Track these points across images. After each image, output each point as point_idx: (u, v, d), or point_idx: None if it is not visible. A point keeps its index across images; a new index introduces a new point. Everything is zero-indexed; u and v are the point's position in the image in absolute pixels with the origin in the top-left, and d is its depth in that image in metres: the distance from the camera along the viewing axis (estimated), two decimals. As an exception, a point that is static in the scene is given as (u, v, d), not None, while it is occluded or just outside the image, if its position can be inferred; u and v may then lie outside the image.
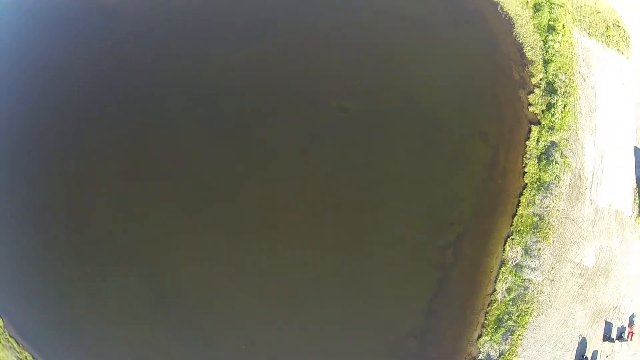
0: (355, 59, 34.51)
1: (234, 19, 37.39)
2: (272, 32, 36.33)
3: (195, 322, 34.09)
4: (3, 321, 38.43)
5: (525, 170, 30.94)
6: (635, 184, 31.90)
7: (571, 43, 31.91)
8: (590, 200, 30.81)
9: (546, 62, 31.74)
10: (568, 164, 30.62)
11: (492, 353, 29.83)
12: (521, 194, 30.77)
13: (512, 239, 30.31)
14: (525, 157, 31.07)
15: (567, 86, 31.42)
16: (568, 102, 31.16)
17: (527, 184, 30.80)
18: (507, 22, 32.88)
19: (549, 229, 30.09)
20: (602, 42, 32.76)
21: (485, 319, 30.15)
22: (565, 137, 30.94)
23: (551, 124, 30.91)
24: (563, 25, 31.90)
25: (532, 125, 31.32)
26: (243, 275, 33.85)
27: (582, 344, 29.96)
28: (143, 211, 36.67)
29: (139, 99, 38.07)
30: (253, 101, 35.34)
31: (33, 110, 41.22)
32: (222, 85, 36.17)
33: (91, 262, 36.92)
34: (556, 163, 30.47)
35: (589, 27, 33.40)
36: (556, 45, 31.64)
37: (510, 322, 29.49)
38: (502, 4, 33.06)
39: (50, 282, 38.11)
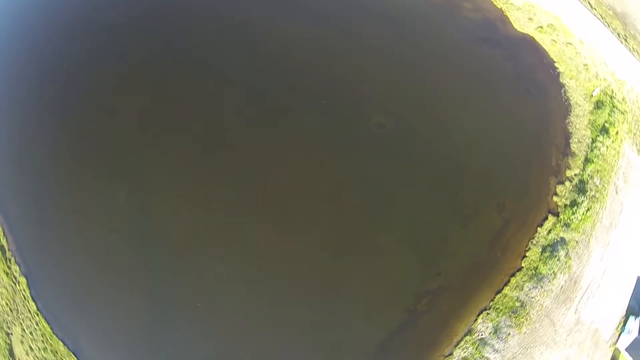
0: (410, 90, 34.21)
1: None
2: (339, 46, 36.21)
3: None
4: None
5: (527, 254, 30.10)
6: (625, 312, 30.71)
7: (618, 152, 30.93)
8: (576, 309, 29.72)
9: (587, 161, 30.79)
10: (569, 265, 29.62)
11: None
12: (513, 275, 29.93)
13: (488, 314, 29.46)
14: (532, 242, 30.19)
15: (598, 191, 30.46)
16: (593, 207, 30.19)
17: (523, 267, 29.95)
18: (565, 107, 32.07)
19: (526, 319, 29.18)
20: (648, 163, 31.74)
21: (431, 378, 29.34)
22: (576, 239, 29.96)
23: (569, 221, 29.98)
24: (617, 132, 30.93)
25: (550, 215, 30.47)
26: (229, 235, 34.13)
27: None
28: (160, 140, 36.81)
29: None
30: (304, 91, 35.24)
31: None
32: (287, 72, 36.19)
33: (93, 169, 37.43)
34: (558, 260, 29.53)
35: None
36: (603, 149, 30.66)
37: (449, 392, 28.61)
38: (568, 89, 32.24)
39: (49, 183, 38.68)
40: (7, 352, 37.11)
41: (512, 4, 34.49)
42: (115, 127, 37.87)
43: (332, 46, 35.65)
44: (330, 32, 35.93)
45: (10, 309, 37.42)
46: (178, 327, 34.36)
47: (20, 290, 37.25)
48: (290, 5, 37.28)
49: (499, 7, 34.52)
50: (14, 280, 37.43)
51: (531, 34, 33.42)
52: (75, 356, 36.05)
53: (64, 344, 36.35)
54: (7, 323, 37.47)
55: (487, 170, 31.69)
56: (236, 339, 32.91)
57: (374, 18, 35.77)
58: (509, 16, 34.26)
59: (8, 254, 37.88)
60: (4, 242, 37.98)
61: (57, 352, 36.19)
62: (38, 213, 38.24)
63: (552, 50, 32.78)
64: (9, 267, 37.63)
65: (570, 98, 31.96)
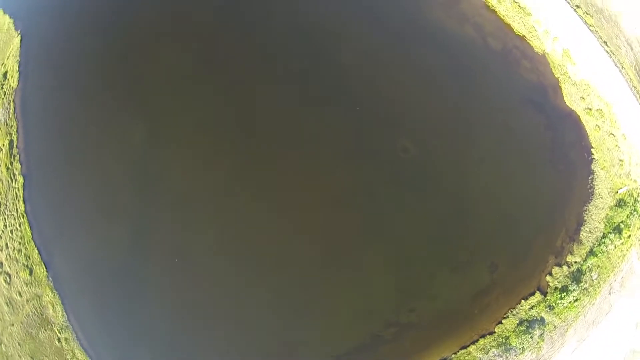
0: (445, 126, 33.25)
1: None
2: (390, 61, 35.15)
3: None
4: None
5: (503, 321, 29.56)
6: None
7: (624, 255, 30.09)
8: (532, 391, 29.08)
9: (591, 253, 29.97)
10: (540, 347, 29.09)
11: None
12: (483, 336, 29.51)
13: (446, 365, 28.85)
14: (512, 312, 29.58)
15: (591, 286, 29.74)
16: (582, 299, 29.48)
17: (495, 332, 29.47)
18: (588, 195, 31.15)
19: (480, 383, 28.58)
20: (649, 276, 30.82)
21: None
22: (555, 324, 29.33)
23: (554, 304, 29.32)
24: (629, 236, 30.06)
25: (538, 292, 29.82)
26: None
27: None
28: (189, 98, 36.24)
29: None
30: (344, 93, 34.45)
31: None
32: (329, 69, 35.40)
33: (119, 102, 37.12)
34: (531, 337, 28.98)
35: (648, 255, 31.40)
36: (610, 247, 29.83)
37: None
38: (596, 178, 31.27)
39: (74, 102, 38.46)
40: (-17, 241, 37.09)
41: (569, 77, 33.43)
42: (152, 70, 37.42)
43: (383, 59, 34.83)
44: (387, 46, 35.06)
45: (1, 203, 37.31)
46: (150, 273, 34.24)
47: (15, 188, 37.10)
48: (359, 8, 36.37)
49: (556, 75, 33.46)
50: (12, 176, 37.24)
51: (578, 113, 32.38)
52: (46, 267, 35.93)
53: (39, 252, 36.27)
54: (-8, 214, 37.40)
55: (493, 227, 30.98)
56: (195, 306, 32.76)
57: (433, 47, 34.77)
58: (562, 88, 33.22)
59: (15, 151, 37.69)
60: (14, 138, 37.76)
61: (29, 258, 36.11)
62: (55, 125, 38.10)
63: (593, 135, 31.78)
64: (11, 163, 37.45)
65: (596, 187, 31.02)
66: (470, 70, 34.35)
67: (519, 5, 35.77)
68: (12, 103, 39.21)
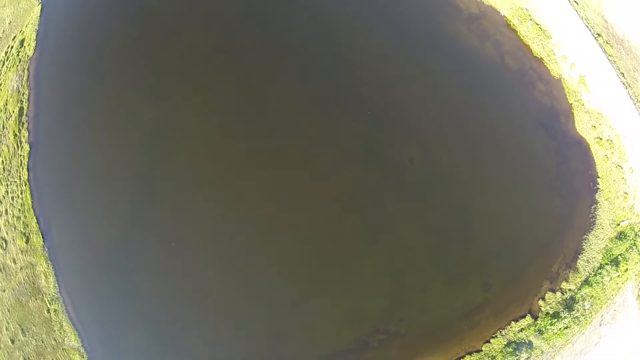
0: (455, 140, 32.59)
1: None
2: (408, 72, 34.57)
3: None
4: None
5: (491, 341, 29.00)
6: None
7: (619, 288, 29.51)
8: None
9: (586, 282, 29.39)
10: (525, 370, 28.31)
11: None
12: (470, 354, 28.99)
13: (429, 377, 28.23)
14: (501, 332, 29.04)
15: (583, 315, 29.15)
16: (572, 327, 28.94)
17: (482, 351, 28.96)
18: (589, 224, 30.61)
19: (460, 399, 28.02)
20: (642, 312, 30.20)
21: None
22: (543, 349, 28.83)
23: (544, 329, 28.78)
24: (626, 270, 29.43)
25: (529, 315, 29.25)
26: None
27: None
28: (206, 81, 35.73)
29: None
30: (357, 95, 33.80)
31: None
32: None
33: (135, 78, 36.69)
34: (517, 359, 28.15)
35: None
36: (606, 278, 29.21)
37: None
38: (599, 208, 30.70)
39: (90, 75, 37.79)
40: (-17, 204, 36.38)
41: (582, 104, 32.70)
42: (169, 51, 36.72)
43: (400, 67, 34.23)
44: (405, 53, 34.46)
45: (3, 168, 36.62)
46: (146, 255, 33.54)
47: (20, 155, 36.41)
48: (383, 12, 35.57)
49: (569, 101, 32.76)
50: (18, 143, 36.55)
51: (588, 141, 31.73)
52: (43, 237, 35.23)
53: (38, 221, 35.59)
54: (-5, 179, 36.68)
55: (490, 247, 30.40)
56: (186, 293, 32.33)
57: (451, 60, 34.15)
58: (575, 114, 32.53)
59: (24, 118, 36.98)
60: (24, 106, 37.03)
61: (28, 226, 35.43)
62: (66, 97, 37.35)
63: (601, 165, 31.11)
64: (19, 130, 36.76)
65: (598, 217, 30.43)
66: (485, 88, 33.68)
67: (540, 27, 35.02)
68: (26, 71, 38.46)
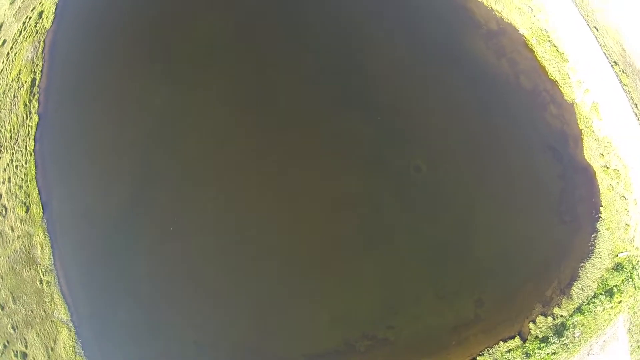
0: (462, 154, 31.72)
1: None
2: (419, 82, 33.76)
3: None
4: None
5: (477, 358, 28.29)
6: None
7: (610, 319, 28.70)
8: None
9: (578, 310, 28.58)
10: (508, 391, 27.46)
11: None
12: (454, 369, 27.85)
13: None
14: (488, 350, 28.38)
15: (572, 343, 28.43)
16: (559, 354, 28.26)
17: (468, 368, 27.90)
18: (587, 252, 29.80)
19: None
20: (631, 346, 29.18)
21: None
22: (529, 373, 27.76)
23: (531, 352, 28.10)
24: (620, 302, 28.61)
25: (518, 336, 28.54)
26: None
27: None
28: (220, 70, 34.83)
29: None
30: (368, 100, 32.94)
31: None
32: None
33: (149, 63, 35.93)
34: (502, 380, 27.35)
35: (636, 325, 29.66)
36: (599, 308, 28.38)
37: None
38: (599, 237, 29.91)
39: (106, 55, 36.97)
40: (-13, 170, 35.62)
41: (593, 131, 31.75)
42: (185, 36, 36.01)
43: (414, 76, 33.45)
44: (420, 63, 33.69)
45: (10, 136, 35.90)
46: (142, 236, 32.79)
47: (29, 125, 35.69)
48: (402, 21, 34.67)
49: (580, 127, 31.87)
50: (28, 113, 35.81)
51: (595, 168, 30.82)
52: (42, 208, 34.50)
53: (39, 192, 34.91)
54: (2, 147, 35.94)
55: (487, 264, 29.67)
56: (179, 278, 31.69)
57: (465, 74, 33.35)
58: (584, 140, 31.61)
59: (36, 89, 36.22)
60: (37, 77, 36.24)
61: (29, 196, 34.74)
62: (79, 73, 36.75)
63: (605, 194, 30.22)
64: (30, 101, 36.00)
65: (597, 246, 29.61)
66: (497, 105, 32.82)
67: (557, 50, 34.03)
68: (42, 43, 37.64)
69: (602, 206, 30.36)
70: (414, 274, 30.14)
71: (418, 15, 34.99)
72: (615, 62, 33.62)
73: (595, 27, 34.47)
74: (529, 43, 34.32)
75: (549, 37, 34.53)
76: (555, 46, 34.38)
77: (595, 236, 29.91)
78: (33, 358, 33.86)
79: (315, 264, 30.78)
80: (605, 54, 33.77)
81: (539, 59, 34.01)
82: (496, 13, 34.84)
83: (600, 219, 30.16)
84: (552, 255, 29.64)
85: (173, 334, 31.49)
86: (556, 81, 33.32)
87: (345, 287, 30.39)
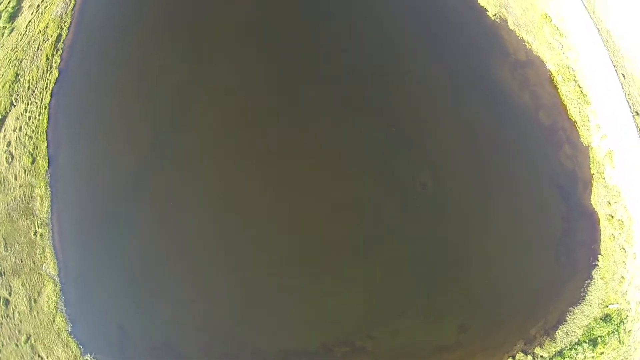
0: (470, 178, 30.76)
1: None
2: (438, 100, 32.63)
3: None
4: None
5: (451, 380, 27.06)
6: None
7: (589, 370, 27.49)
8: None
9: (560, 354, 27.91)
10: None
11: None
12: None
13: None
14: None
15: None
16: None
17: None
18: (578, 298, 28.90)
19: None
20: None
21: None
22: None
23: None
24: (602, 353, 27.86)
25: (496, 370, 27.30)
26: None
27: None
28: (239, 55, 33.74)
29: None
30: (385, 111, 31.92)
31: None
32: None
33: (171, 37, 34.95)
34: (472, 410, 26.39)
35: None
36: (580, 356, 27.70)
37: None
38: (592, 284, 29.00)
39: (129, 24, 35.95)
40: (2, 117, 34.72)
41: (604, 178, 30.68)
42: (213, 19, 34.93)
43: (435, 94, 32.46)
44: (443, 83, 32.65)
45: (28, 87, 35.04)
46: (141, 208, 31.97)
47: (48, 79, 34.89)
48: (432, 39, 33.64)
49: (591, 172, 30.85)
50: (49, 67, 34.97)
51: (599, 216, 29.87)
52: (49, 162, 33.68)
53: (48, 145, 34.10)
54: (18, 96, 35.09)
55: (477, 290, 28.84)
56: (170, 255, 30.99)
57: (486, 100, 32.30)
58: (593, 185, 30.55)
59: (60, 45, 35.31)
60: (63, 33, 35.35)
61: (37, 148, 33.97)
62: (105, 36, 35.74)
63: (605, 243, 29.24)
64: (52, 55, 35.14)
65: (588, 294, 28.75)
66: (513, 135, 31.86)
67: (581, 91, 32.84)
68: (73, 1, 36.64)
69: (600, 254, 29.39)
70: (403, 288, 29.34)
71: (450, 35, 33.91)
72: (637, 112, 32.40)
73: (622, 74, 33.22)
74: (554, 79, 33.14)
75: (575, 76, 33.32)
76: (579, 86, 33.17)
77: (589, 283, 29.00)
78: (15, 306, 33.24)
79: (307, 262, 29.98)
80: (628, 103, 32.54)
81: (561, 96, 32.88)
82: (526, 44, 33.69)
83: (597, 266, 29.21)
84: (543, 294, 28.75)
85: (156, 309, 30.80)
86: (575, 122, 32.21)
87: (333, 290, 29.60)
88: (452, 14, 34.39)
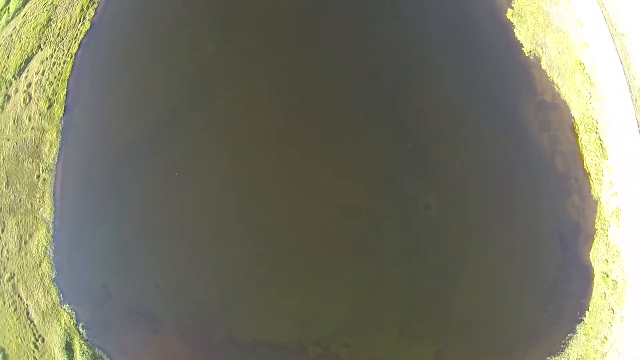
0: (475, 211, 29.71)
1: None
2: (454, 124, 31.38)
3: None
4: None
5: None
6: None
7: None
8: None
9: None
10: None
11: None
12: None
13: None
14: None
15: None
16: None
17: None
18: (556, 349, 27.83)
19: None
20: None
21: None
22: None
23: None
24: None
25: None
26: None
27: None
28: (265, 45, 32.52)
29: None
30: (401, 126, 30.91)
31: None
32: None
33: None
34: None
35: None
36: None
37: None
38: (574, 338, 27.91)
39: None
40: (28, 57, 33.91)
41: (607, 235, 29.60)
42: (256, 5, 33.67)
43: (453, 119, 31.27)
44: (464, 109, 31.36)
45: (58, 34, 34.46)
46: (148, 173, 31.27)
47: (79, 30, 34.44)
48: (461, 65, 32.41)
49: (596, 227, 29.66)
50: (81, 18, 34.36)
51: (595, 272, 28.82)
52: (65, 110, 33.00)
53: (67, 94, 33.75)
54: (47, 40, 34.38)
55: (459, 321, 27.87)
56: (163, 227, 30.28)
57: (503, 134, 31.06)
58: (595, 241, 29.47)
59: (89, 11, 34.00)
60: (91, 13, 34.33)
61: (56, 94, 33.81)
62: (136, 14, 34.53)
63: (595, 300, 28.32)
64: (87, 7, 34.31)
65: (568, 347, 27.79)
66: (524, 175, 30.70)
67: (601, 144, 31.60)
68: (119, -45, 35.80)
69: (588, 310, 28.36)
70: (386, 303, 28.45)
71: (482, 64, 32.55)
72: (653, 177, 31.25)
73: (645, 136, 32.04)
74: (577, 127, 31.91)
75: (597, 128, 32.09)
76: (600, 139, 31.94)
77: (571, 337, 28.00)
78: (5, 243, 32.70)
79: (296, 259, 29.16)
80: (646, 167, 31.42)
81: (580, 145, 31.63)
82: (555, 87, 32.45)
83: (583, 322, 28.19)
84: (523, 338, 27.80)
85: (141, 274, 30.28)
86: (589, 173, 31.00)
87: (317, 291, 28.90)
88: (487, 43, 33.12)
